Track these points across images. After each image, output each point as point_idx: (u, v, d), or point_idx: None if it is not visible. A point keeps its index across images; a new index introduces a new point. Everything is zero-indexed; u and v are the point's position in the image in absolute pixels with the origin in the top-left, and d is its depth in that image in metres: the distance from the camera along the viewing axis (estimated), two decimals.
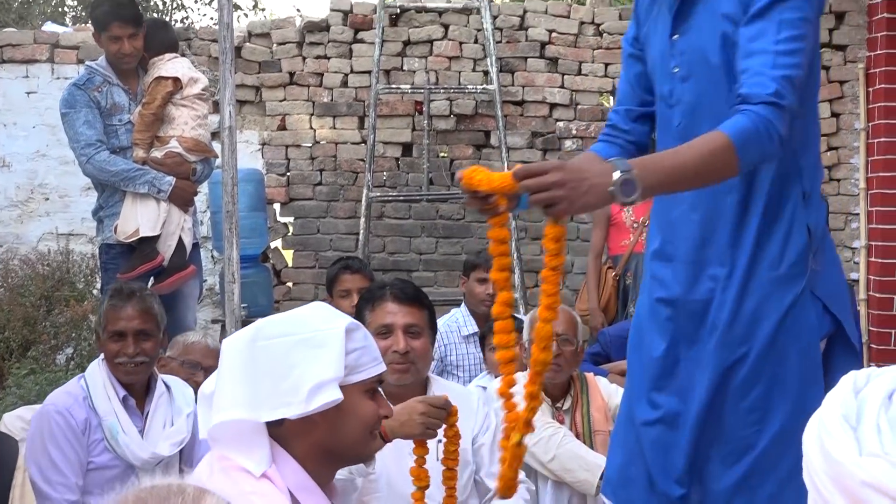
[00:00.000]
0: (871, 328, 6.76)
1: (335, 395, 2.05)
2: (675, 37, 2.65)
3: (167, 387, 3.73)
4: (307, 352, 2.08)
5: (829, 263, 2.71)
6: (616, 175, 2.11)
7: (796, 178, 2.59)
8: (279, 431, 2.09)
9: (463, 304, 5.34)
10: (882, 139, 6.72)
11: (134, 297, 3.65)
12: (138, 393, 3.64)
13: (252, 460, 2.04)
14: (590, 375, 4.29)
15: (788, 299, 2.56)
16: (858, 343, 2.79)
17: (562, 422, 4.06)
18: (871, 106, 6.80)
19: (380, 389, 2.27)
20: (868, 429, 1.10)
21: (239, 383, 2.10)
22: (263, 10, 14.85)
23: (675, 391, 2.71)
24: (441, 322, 5.01)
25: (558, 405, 4.13)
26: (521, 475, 3.63)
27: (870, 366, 6.12)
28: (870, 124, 6.79)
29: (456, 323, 5.15)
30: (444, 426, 2.91)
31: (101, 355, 3.66)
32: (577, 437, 3.99)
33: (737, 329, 2.58)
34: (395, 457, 2.80)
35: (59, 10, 12.67)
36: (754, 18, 2.40)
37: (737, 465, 2.61)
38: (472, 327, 5.13)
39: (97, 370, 3.61)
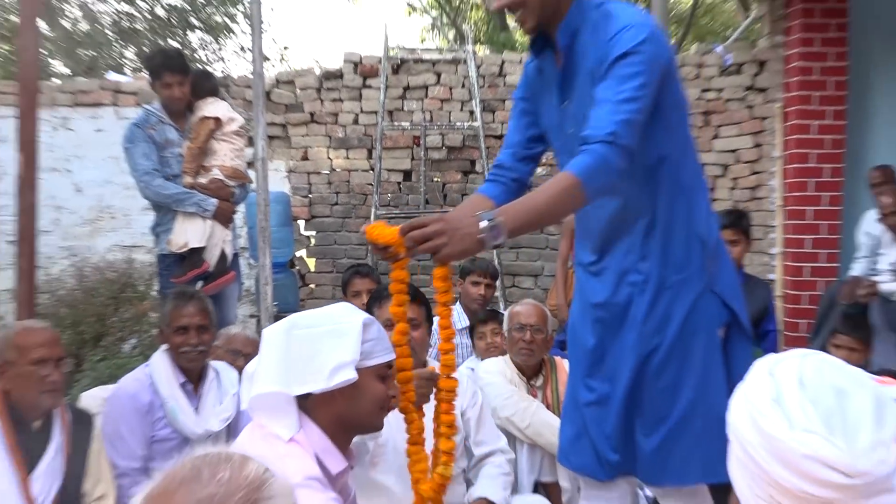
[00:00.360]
0: (785, 319, 6.73)
1: (351, 375, 2.10)
2: (565, 104, 2.65)
3: (216, 372, 3.70)
4: (330, 340, 2.14)
5: (723, 266, 2.75)
6: (483, 224, 2.14)
7: (686, 204, 2.63)
8: (306, 404, 2.13)
9: (458, 302, 5.26)
10: (794, 165, 6.68)
11: (194, 298, 3.66)
12: (194, 378, 3.61)
13: (283, 426, 2.09)
14: (558, 358, 4.23)
15: (692, 297, 2.64)
16: (750, 329, 2.82)
17: (535, 396, 4.02)
18: (786, 138, 6.75)
19: (389, 374, 2.29)
20: (792, 407, 1.10)
21: (275, 364, 2.15)
22: (288, 60, 14.79)
23: (604, 377, 2.78)
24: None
25: (532, 382, 4.09)
26: (504, 445, 3.60)
27: (785, 349, 6.17)
28: (785, 153, 6.75)
29: (451, 317, 5.08)
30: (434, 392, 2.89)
31: (162, 347, 3.63)
32: (548, 408, 3.95)
33: (651, 324, 2.66)
34: (399, 426, 2.73)
35: (121, 62, 12.61)
36: (603, 77, 2.41)
37: (656, 433, 2.68)
38: (465, 322, 5.08)
39: (160, 360, 3.59)
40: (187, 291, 3.83)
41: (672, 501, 2.77)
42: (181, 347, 3.53)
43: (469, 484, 3.63)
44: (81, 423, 3.20)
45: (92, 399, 3.65)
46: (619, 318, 2.74)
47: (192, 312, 3.56)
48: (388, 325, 3.37)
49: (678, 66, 2.63)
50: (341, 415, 2.15)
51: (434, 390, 2.75)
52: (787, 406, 1.11)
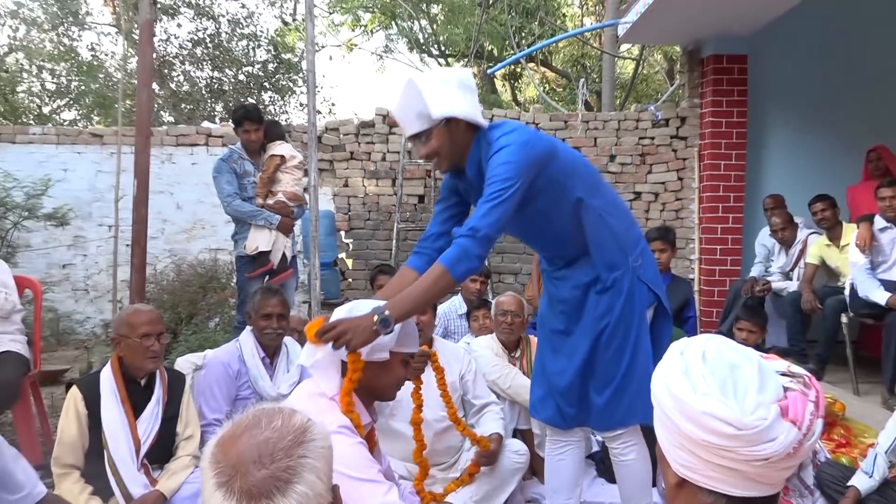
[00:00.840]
0: (701, 308, 6.66)
1: (385, 355, 2.09)
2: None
3: (286, 347, 3.65)
4: None
5: (647, 262, 2.77)
6: (375, 318, 2.06)
7: (608, 225, 2.65)
8: (344, 370, 2.07)
9: (459, 294, 5.21)
10: (708, 194, 6.65)
11: (276, 293, 3.62)
12: (270, 353, 3.57)
13: (328, 385, 2.06)
14: (532, 336, 4.16)
15: (626, 288, 2.67)
16: (670, 310, 2.84)
17: (514, 365, 4.00)
18: (701, 174, 6.72)
19: (410, 362, 2.26)
20: (696, 377, 1.12)
21: None
22: (335, 113, 14.78)
23: (566, 353, 2.79)
24: (444, 305, 5.12)
25: (512, 354, 4.08)
26: (495, 399, 3.62)
27: (702, 331, 6.16)
28: (701, 185, 6.72)
29: (454, 305, 5.09)
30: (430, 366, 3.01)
31: (248, 328, 3.60)
32: (524, 374, 3.93)
33: (599, 312, 2.69)
34: (410, 387, 2.75)
35: (212, 114, 12.63)
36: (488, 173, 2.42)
37: (605, 390, 2.70)
38: (464, 309, 5.01)
39: (246, 338, 3.56)
40: (272, 287, 3.77)
41: (619, 440, 2.78)
42: (265, 330, 3.50)
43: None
44: (176, 381, 3.18)
45: (185, 363, 3.61)
46: (577, 310, 2.75)
47: (275, 304, 3.52)
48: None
49: (556, 148, 2.57)
50: (369, 383, 2.09)
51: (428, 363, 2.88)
52: (692, 376, 1.13)
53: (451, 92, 2.43)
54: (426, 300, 2.30)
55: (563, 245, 2.73)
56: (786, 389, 1.12)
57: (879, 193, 4.74)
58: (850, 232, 5.04)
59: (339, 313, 2.15)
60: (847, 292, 4.92)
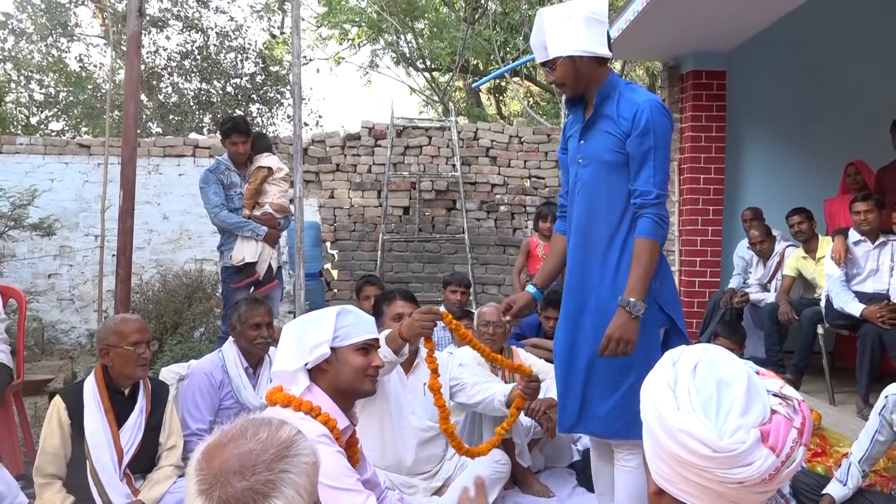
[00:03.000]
0: None
1: (324, 352, 2.10)
2: (582, 142, 2.67)
3: (269, 358, 3.62)
4: (315, 327, 2.15)
5: (666, 282, 2.67)
6: (629, 310, 2.44)
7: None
8: (312, 374, 2.13)
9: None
10: (688, 207, 6.69)
11: (263, 303, 3.63)
12: (253, 363, 3.56)
13: (297, 389, 2.09)
14: (513, 346, 4.19)
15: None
16: (685, 329, 2.72)
17: (496, 374, 3.96)
18: (681, 187, 6.74)
19: (374, 349, 2.25)
20: (681, 392, 1.09)
21: (283, 346, 2.17)
22: (321, 125, 14.74)
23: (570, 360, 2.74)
24: None
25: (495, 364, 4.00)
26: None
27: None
28: (681, 198, 6.74)
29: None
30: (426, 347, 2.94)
31: (230, 339, 3.60)
32: (504, 381, 3.88)
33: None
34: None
35: (199, 125, 12.59)
36: (637, 138, 2.49)
37: (611, 397, 2.61)
38: None
39: (229, 348, 3.56)
40: (258, 299, 3.76)
41: (623, 451, 2.69)
42: (255, 340, 3.49)
43: None
44: (159, 391, 3.16)
45: (169, 373, 3.57)
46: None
47: (263, 313, 3.53)
48: (397, 318, 3.38)
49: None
50: (333, 381, 2.12)
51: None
52: (678, 390, 1.10)
53: (573, 28, 2.50)
54: (648, 273, 2.49)
55: (604, 232, 2.66)
56: (773, 412, 1.09)
57: (854, 207, 4.78)
58: (827, 244, 5.08)
59: (288, 331, 2.19)
60: (823, 304, 4.95)
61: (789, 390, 1.13)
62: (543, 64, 2.59)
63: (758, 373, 1.16)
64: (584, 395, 2.67)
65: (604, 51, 2.54)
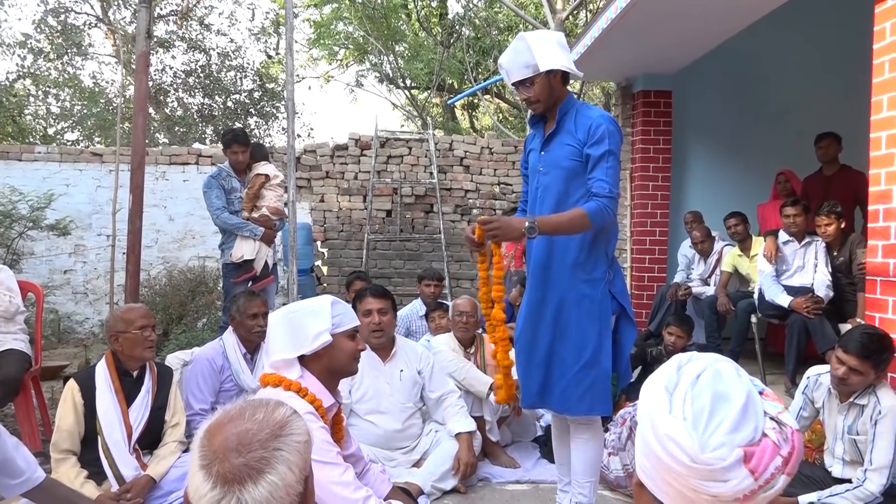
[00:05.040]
0: (633, 310, 6.64)
1: (327, 339, 2.10)
2: (543, 153, 2.69)
3: (265, 344, 3.58)
4: (311, 318, 2.12)
5: (618, 275, 2.70)
6: (526, 224, 2.40)
7: (603, 238, 2.62)
8: (303, 361, 2.12)
9: (419, 298, 5.21)
10: (638, 210, 6.72)
11: (259, 296, 3.61)
12: (250, 349, 3.53)
13: (293, 374, 2.08)
14: (485, 335, 4.16)
15: (598, 294, 2.60)
16: (633, 316, 2.74)
17: (469, 359, 3.96)
18: (633, 193, 6.78)
19: (358, 334, 2.25)
20: (677, 397, 1.03)
21: (279, 338, 2.13)
22: (312, 137, 14.65)
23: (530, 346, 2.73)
24: (407, 308, 5.13)
25: (468, 350, 4.04)
26: (452, 387, 3.56)
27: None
28: (632, 202, 6.78)
29: (415, 308, 5.08)
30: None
31: (230, 328, 3.58)
32: (477, 367, 3.90)
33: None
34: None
35: (202, 136, 12.49)
36: (595, 144, 2.53)
37: (566, 376, 2.62)
38: (423, 310, 4.99)
39: (229, 336, 3.55)
40: (255, 292, 3.74)
41: (578, 425, 2.70)
42: (252, 329, 3.47)
43: (425, 418, 3.59)
44: (165, 374, 3.15)
45: (174, 359, 3.56)
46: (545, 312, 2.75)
47: (259, 304, 3.51)
48: (367, 314, 3.37)
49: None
50: (327, 366, 2.13)
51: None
52: (674, 395, 1.02)
53: (552, 48, 2.56)
54: (564, 229, 2.49)
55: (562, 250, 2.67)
56: (764, 435, 1.00)
57: (784, 211, 4.86)
58: (759, 244, 5.17)
59: (275, 317, 2.18)
60: (756, 296, 5.03)
61: (787, 417, 1.03)
62: (521, 82, 2.60)
63: (762, 392, 1.06)
64: (545, 375, 2.68)
65: (575, 70, 2.63)
